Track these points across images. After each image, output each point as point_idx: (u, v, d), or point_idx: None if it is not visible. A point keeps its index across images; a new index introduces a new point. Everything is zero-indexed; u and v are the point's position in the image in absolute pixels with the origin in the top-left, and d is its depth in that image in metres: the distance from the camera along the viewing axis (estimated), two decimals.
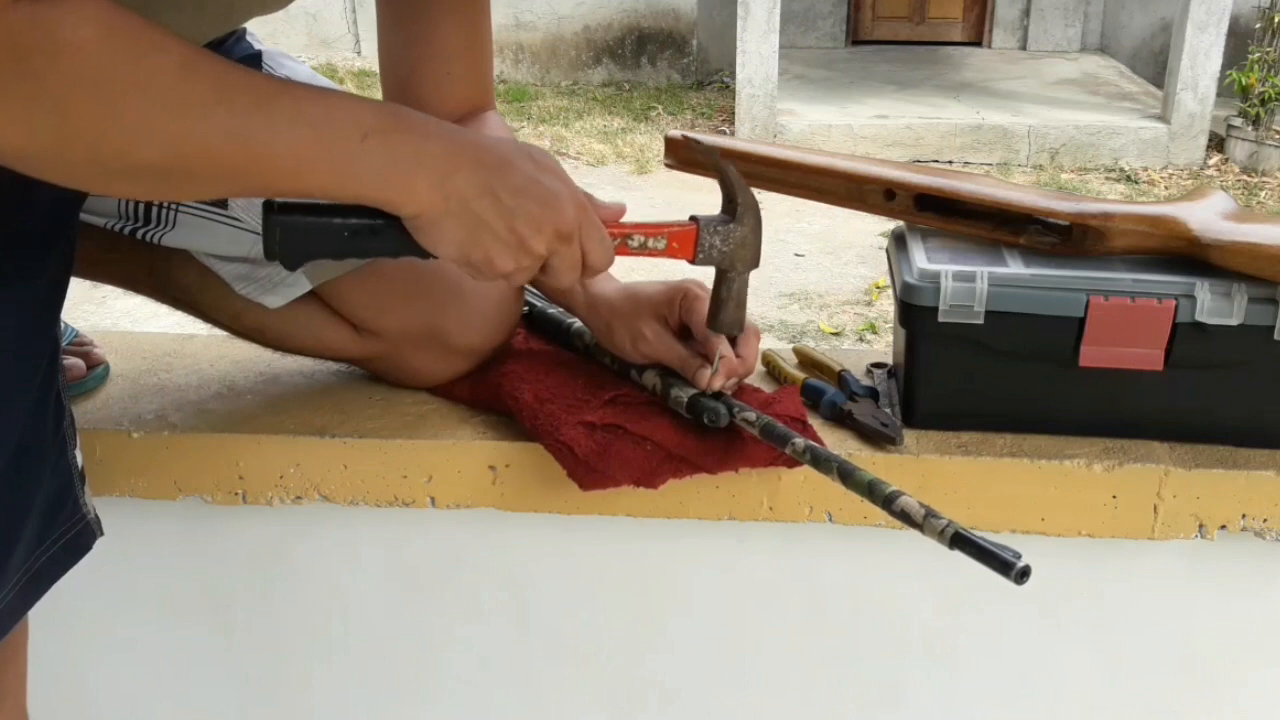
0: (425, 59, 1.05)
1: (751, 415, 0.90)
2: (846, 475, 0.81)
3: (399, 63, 1.07)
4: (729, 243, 0.88)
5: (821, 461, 0.84)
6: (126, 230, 1.00)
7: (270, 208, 0.80)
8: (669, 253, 0.87)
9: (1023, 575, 0.69)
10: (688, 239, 0.87)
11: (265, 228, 0.80)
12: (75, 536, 0.89)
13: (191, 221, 0.98)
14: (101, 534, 0.93)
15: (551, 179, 0.80)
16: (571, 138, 6.60)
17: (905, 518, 0.76)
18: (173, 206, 0.97)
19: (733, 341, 0.94)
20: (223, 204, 0.97)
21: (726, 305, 0.90)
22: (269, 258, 0.81)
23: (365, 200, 0.77)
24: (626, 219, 0.87)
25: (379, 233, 0.79)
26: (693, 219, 0.88)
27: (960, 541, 0.72)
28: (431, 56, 1.04)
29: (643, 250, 0.86)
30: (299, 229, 0.80)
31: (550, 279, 0.83)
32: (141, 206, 0.98)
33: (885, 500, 0.78)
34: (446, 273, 0.99)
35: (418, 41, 1.04)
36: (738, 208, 0.88)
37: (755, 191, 0.91)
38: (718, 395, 0.92)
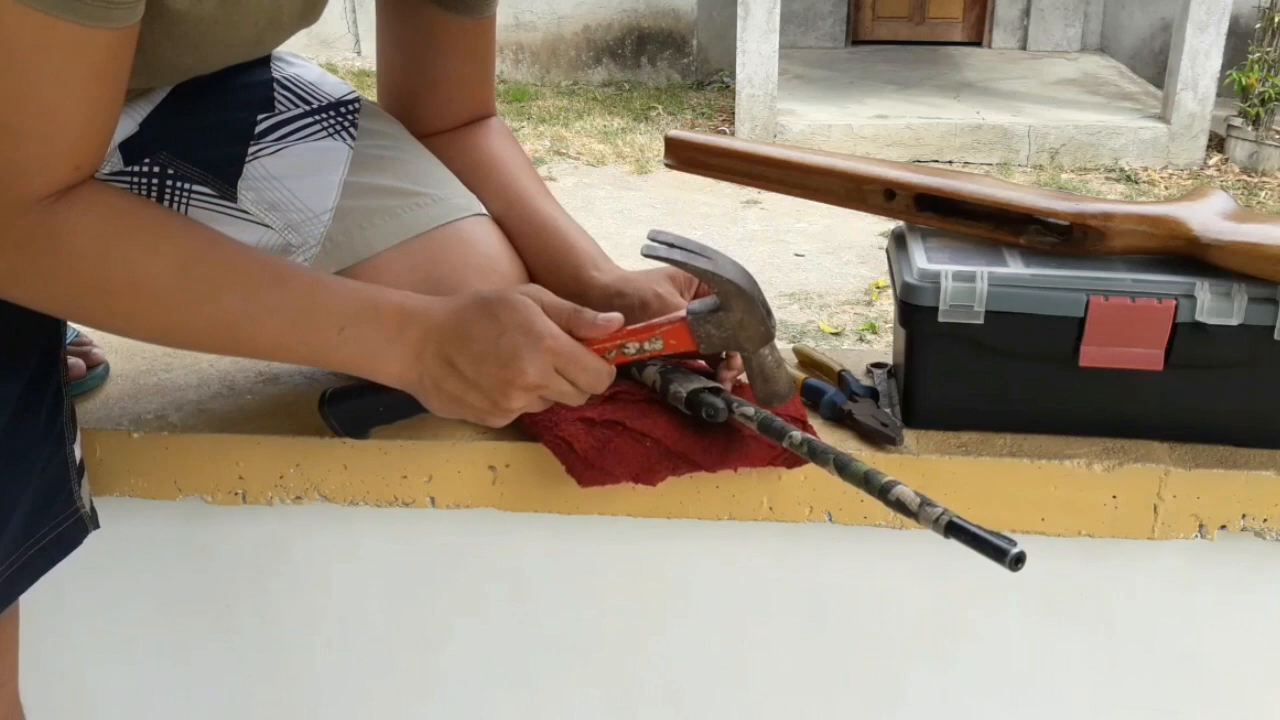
0: (428, 83, 1.05)
1: (749, 410, 0.90)
2: (843, 467, 0.82)
3: (400, 83, 1.07)
4: (725, 329, 0.86)
5: (818, 454, 0.84)
6: None
7: (322, 400, 0.96)
8: (669, 350, 0.87)
9: (1017, 561, 0.69)
10: (682, 334, 0.87)
11: (321, 416, 0.96)
12: (67, 530, 0.89)
13: (202, 215, 0.97)
14: (96, 528, 0.93)
15: (512, 336, 0.81)
16: (571, 138, 6.60)
17: (900, 507, 0.77)
18: (183, 200, 0.96)
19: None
20: (233, 198, 0.97)
21: (755, 383, 0.89)
22: (340, 436, 0.97)
23: (344, 372, 0.87)
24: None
25: (410, 401, 0.88)
26: (688, 312, 0.87)
27: (954, 530, 0.73)
28: (434, 81, 1.05)
29: (642, 355, 0.87)
30: (348, 414, 0.95)
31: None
32: (152, 196, 0.97)
33: (881, 490, 0.78)
34: (462, 274, 0.99)
35: (421, 66, 1.05)
36: (719, 296, 0.86)
37: (755, 192, 0.91)
38: (716, 391, 0.92)
